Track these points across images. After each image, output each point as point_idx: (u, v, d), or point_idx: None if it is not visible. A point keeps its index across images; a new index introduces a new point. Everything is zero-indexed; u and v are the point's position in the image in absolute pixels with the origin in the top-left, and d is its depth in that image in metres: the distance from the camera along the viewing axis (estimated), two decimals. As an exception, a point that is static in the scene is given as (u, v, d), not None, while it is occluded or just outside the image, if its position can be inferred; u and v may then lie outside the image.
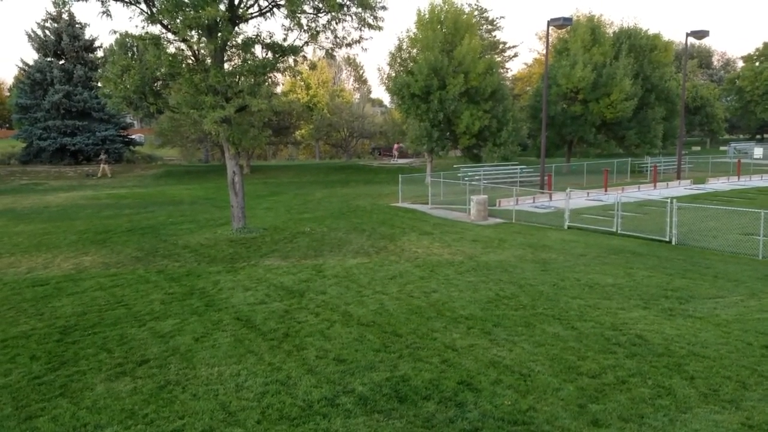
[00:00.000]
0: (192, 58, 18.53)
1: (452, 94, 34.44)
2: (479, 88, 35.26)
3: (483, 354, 8.75)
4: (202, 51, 18.14)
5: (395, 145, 56.99)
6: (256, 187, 36.11)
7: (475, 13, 45.01)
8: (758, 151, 55.27)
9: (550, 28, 32.95)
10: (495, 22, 50.71)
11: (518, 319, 10.41)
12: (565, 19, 31.03)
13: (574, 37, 42.81)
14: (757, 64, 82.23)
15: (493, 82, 35.94)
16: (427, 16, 36.10)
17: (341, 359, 8.65)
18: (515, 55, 55.03)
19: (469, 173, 32.95)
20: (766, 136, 78.71)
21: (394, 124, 52.69)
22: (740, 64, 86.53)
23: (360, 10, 18.06)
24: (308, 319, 10.61)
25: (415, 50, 36.21)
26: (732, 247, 17.57)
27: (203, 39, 17.43)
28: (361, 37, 18.83)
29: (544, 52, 38.38)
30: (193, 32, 17.32)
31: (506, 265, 14.92)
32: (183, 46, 18.27)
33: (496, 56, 48.25)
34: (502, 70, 45.41)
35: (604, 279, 13.51)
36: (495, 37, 52.22)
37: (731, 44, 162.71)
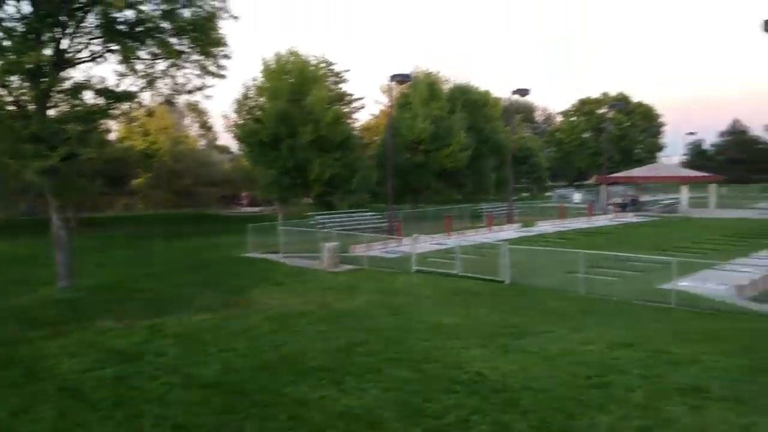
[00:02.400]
0: (13, 104, 16.99)
1: (302, 142, 34.78)
2: (329, 136, 36.00)
3: (333, 405, 8.65)
4: (24, 97, 16.72)
5: (243, 194, 55.94)
6: (88, 241, 33.40)
7: (322, 64, 46.28)
8: (577, 197, 61.69)
9: (393, 82, 34.68)
10: (341, 75, 52.47)
11: (368, 366, 10.47)
12: (404, 75, 32.89)
13: (415, 92, 45.44)
14: (573, 118, 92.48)
15: (343, 132, 36.93)
16: (273, 65, 36.41)
17: (180, 426, 8.09)
18: (362, 107, 57.09)
19: (321, 221, 33.17)
20: (584, 182, 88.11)
21: (242, 172, 51.87)
22: (559, 118, 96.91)
23: (201, 57, 17.78)
24: (144, 385, 9.84)
25: (262, 98, 36.24)
26: (558, 285, 19.21)
27: (25, 84, 16.09)
28: (203, 84, 18.49)
29: (388, 104, 40.27)
30: (14, 77, 15.94)
31: (357, 311, 15.04)
32: (2, 91, 16.72)
33: (343, 107, 49.74)
34: (350, 120, 46.88)
35: (448, 319, 14.09)
36: (341, 88, 53.96)
37: (551, 101, 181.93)
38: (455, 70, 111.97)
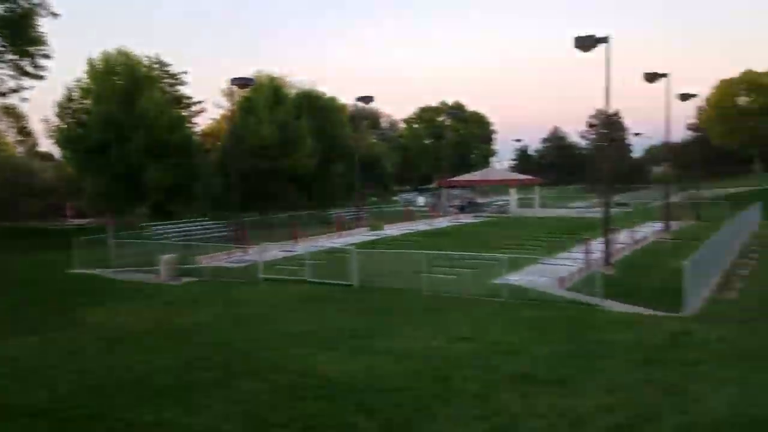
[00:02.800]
0: None
1: (134, 148, 32.71)
2: (165, 141, 34.22)
3: (175, 426, 8.25)
4: None
5: (68, 205, 51.31)
6: None
7: (156, 65, 43.89)
8: (421, 200, 64.52)
9: (234, 86, 33.82)
10: (177, 77, 50.18)
11: (214, 381, 10.11)
12: (246, 79, 32.23)
13: (259, 97, 44.70)
14: (415, 125, 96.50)
15: (182, 136, 35.29)
16: (100, 66, 33.89)
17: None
18: (202, 111, 54.88)
19: (159, 231, 31.40)
20: (427, 186, 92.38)
21: (67, 181, 47.59)
22: (402, 125, 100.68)
23: (17, 57, 16.11)
24: (-48, 422, 8.69)
25: (88, 101, 33.57)
26: (404, 285, 19.90)
27: None
28: (19, 86, 16.76)
29: (230, 108, 39.20)
30: None
31: (201, 325, 14.46)
32: None
33: (182, 110, 47.61)
34: (189, 125, 44.93)
35: (297, 327, 14.03)
36: (179, 91, 51.62)
37: (395, 108, 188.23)
38: (302, 75, 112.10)
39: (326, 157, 46.98)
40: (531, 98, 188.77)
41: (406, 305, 16.82)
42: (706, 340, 11.83)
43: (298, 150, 43.04)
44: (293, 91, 48.51)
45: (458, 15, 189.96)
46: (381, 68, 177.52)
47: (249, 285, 20.71)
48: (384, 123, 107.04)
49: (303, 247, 28.32)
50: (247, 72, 48.30)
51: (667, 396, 8.14)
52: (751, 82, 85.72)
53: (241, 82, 31.50)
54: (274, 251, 28.81)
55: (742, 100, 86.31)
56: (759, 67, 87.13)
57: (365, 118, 78.72)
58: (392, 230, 40.43)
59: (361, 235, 37.92)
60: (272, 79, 46.43)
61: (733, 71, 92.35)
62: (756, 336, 11.87)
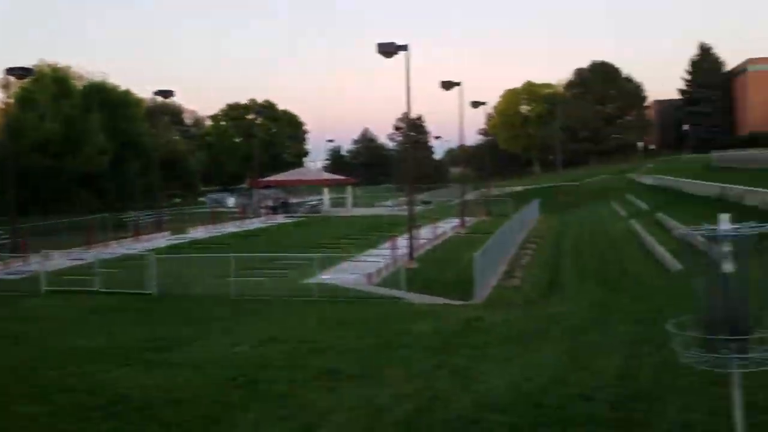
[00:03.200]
0: None
1: None
2: None
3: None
4: None
5: None
6: None
7: None
8: (231, 200, 62.66)
9: (10, 76, 29.93)
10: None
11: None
12: (25, 68, 28.72)
13: (41, 88, 40.06)
14: (222, 123, 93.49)
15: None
16: None
17: None
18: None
19: None
20: (236, 186, 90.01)
21: None
22: (209, 122, 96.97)
23: None
24: None
25: None
26: (209, 291, 19.12)
27: None
28: None
29: (5, 101, 34.61)
30: None
31: (-36, 347, 12.51)
32: None
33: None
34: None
35: (87, 342, 12.77)
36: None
37: (200, 103, 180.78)
38: (90, 66, 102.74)
39: (120, 155, 43.56)
40: (343, 100, 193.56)
41: (212, 312, 16.18)
42: (493, 324, 12.96)
43: (87, 147, 39.33)
44: (81, 84, 44.24)
45: (267, 14, 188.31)
46: (186, 63, 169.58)
47: (29, 298, 18.45)
48: (188, 119, 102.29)
49: (94, 254, 25.88)
50: (27, 62, 42.97)
51: (458, 378, 8.75)
52: (531, 92, 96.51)
53: (18, 73, 27.95)
54: (59, 260, 25.98)
55: (524, 108, 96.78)
56: (538, 79, 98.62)
57: (166, 114, 74.47)
58: (198, 233, 38.70)
59: (163, 239, 35.76)
60: (56, 70, 41.91)
61: (518, 82, 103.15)
62: (533, 318, 13.29)
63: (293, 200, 62.63)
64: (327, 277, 21.08)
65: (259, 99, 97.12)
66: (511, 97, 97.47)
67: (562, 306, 14.89)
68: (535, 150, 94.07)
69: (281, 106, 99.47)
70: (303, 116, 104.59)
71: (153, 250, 25.12)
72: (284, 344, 12.32)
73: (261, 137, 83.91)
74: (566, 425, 5.43)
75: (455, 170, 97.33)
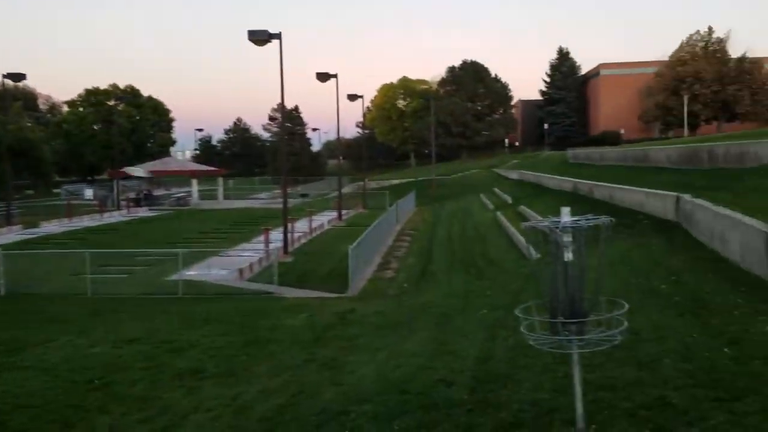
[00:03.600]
0: None
1: None
2: None
3: None
4: None
5: None
6: None
7: None
8: (89, 192, 58.31)
9: None
10: None
11: None
12: None
13: None
14: (81, 109, 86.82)
15: None
16: None
17: None
18: None
19: None
20: (96, 177, 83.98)
21: None
22: (66, 108, 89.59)
23: None
24: None
25: None
26: (64, 289, 17.73)
27: None
28: None
29: None
30: None
31: None
32: None
33: None
34: None
35: None
36: None
37: (56, 89, 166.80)
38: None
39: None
40: (214, 88, 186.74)
41: (66, 311, 15.00)
42: (365, 316, 13.10)
43: None
44: None
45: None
46: (41, 45, 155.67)
47: None
48: (43, 105, 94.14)
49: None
50: None
51: (327, 371, 8.74)
52: (406, 87, 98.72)
53: None
54: None
55: (401, 103, 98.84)
56: (413, 75, 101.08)
57: (16, 99, 68.01)
58: (51, 227, 35.74)
59: (12, 234, 32.68)
60: None
61: (394, 77, 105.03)
62: (405, 308, 13.60)
63: (158, 192, 59.59)
64: (194, 273, 20.28)
65: (121, 84, 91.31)
66: (388, 91, 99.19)
67: (432, 295, 15.37)
68: (411, 143, 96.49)
69: (145, 92, 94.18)
70: (169, 103, 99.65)
71: (2, 245, 22.81)
72: (145, 344, 11.68)
73: (123, 125, 78.94)
74: (428, 410, 5.58)
75: (333, 162, 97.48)
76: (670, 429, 4.21)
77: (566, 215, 4.59)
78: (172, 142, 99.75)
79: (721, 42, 67.90)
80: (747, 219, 10.01)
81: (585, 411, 4.43)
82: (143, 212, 47.14)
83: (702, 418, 4.32)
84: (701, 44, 68.31)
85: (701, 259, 11.22)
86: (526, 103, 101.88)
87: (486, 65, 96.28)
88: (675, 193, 15.36)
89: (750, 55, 66.39)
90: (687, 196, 14.30)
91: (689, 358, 5.85)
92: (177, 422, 7.62)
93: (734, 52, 67.43)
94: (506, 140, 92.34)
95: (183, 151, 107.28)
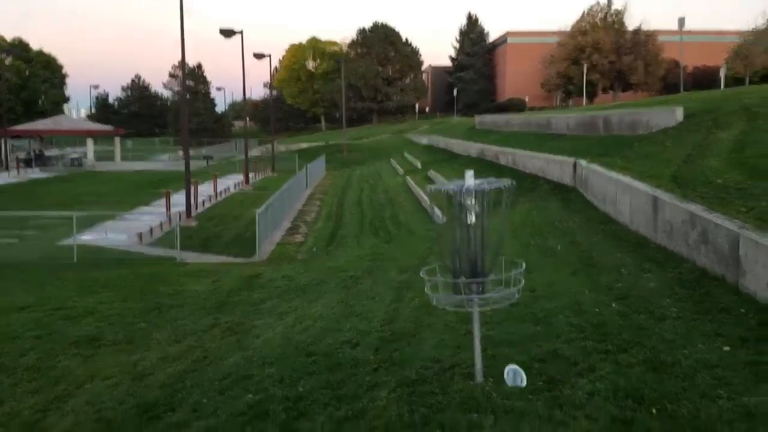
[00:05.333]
0: None
1: None
2: None
3: None
4: None
5: None
6: None
7: None
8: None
9: None
10: None
11: None
12: None
13: None
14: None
15: None
16: None
17: None
18: None
19: None
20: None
21: None
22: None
23: None
24: None
25: None
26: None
27: None
28: None
29: None
30: None
31: None
32: None
33: None
34: None
35: None
36: None
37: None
38: None
39: None
40: (110, 42, 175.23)
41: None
42: (272, 280, 12.94)
43: None
44: None
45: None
46: None
47: None
48: None
49: None
50: None
51: (232, 336, 8.59)
52: (316, 48, 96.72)
53: None
54: None
55: (310, 64, 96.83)
56: (323, 36, 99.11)
57: None
58: None
59: None
60: None
61: (303, 36, 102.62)
62: (312, 271, 13.54)
63: (51, 152, 55.75)
64: (90, 238, 19.24)
65: (8, 37, 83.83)
66: (297, 51, 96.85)
67: (341, 258, 15.39)
68: (321, 106, 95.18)
69: (35, 46, 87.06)
70: (62, 58, 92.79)
71: None
72: (37, 312, 11.02)
73: (10, 80, 72.77)
74: (334, 371, 5.60)
75: (240, 125, 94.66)
76: (561, 380, 4.44)
77: (470, 178, 4.66)
78: (66, 100, 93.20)
79: (619, 14, 70.92)
80: (636, 183, 10.65)
81: (484, 366, 4.60)
82: (35, 174, 43.99)
83: (591, 369, 4.59)
84: (600, 15, 71.07)
85: (594, 221, 11.87)
86: (437, 69, 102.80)
87: (397, 29, 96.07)
88: (572, 159, 16.09)
89: (645, 27, 69.87)
90: (583, 162, 15.01)
91: (580, 313, 6.19)
92: (71, 392, 7.27)
93: (631, 24, 70.76)
94: (417, 105, 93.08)
95: (77, 109, 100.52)
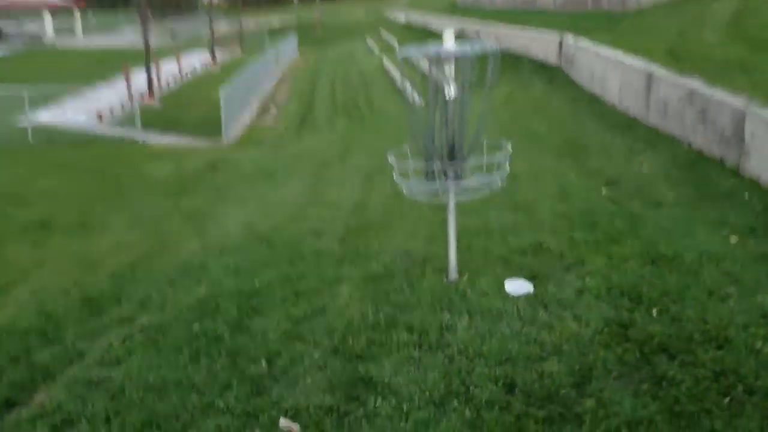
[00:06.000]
0: None
1: None
2: None
3: None
4: None
5: None
6: None
7: None
8: None
9: None
10: None
11: None
12: None
13: None
14: None
15: None
16: None
17: None
18: None
19: None
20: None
21: None
22: None
23: None
24: None
25: None
26: None
27: None
28: None
29: None
30: None
31: None
32: None
33: None
34: None
35: None
36: None
37: None
38: None
39: None
40: None
41: None
42: (238, 164, 12.25)
43: None
44: None
45: None
46: None
47: None
48: None
49: None
50: None
51: (191, 222, 8.04)
52: None
53: None
54: None
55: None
56: None
57: None
58: None
59: None
60: None
61: None
62: (281, 155, 12.84)
63: (8, 28, 51.98)
64: (47, 118, 18.05)
65: None
66: None
67: (312, 142, 14.63)
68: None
69: None
70: None
71: None
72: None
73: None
74: (294, 263, 5.09)
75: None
76: (545, 275, 3.94)
77: (449, 40, 3.90)
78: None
79: None
80: (627, 59, 9.85)
81: (458, 260, 4.08)
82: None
83: (580, 262, 4.09)
84: None
85: (580, 101, 11.17)
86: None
87: None
88: (558, 36, 15.07)
89: None
90: (569, 38, 14.02)
91: (567, 200, 5.66)
92: (16, 280, 6.77)
93: None
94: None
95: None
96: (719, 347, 2.87)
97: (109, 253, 7.12)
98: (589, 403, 2.58)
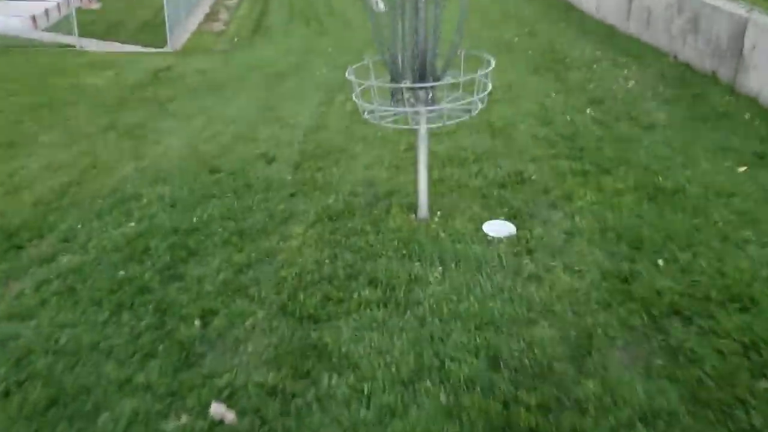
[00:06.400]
0: None
1: None
2: None
3: None
4: None
5: None
6: None
7: None
8: None
9: None
10: None
11: None
12: None
13: None
14: None
15: None
16: None
17: None
18: None
19: None
20: None
21: None
22: None
23: None
24: None
25: None
26: None
27: None
28: None
29: None
30: None
31: None
32: None
33: None
34: None
35: None
36: None
37: None
38: None
39: None
40: None
41: None
42: (184, 75, 11.21)
43: None
44: None
45: None
46: None
47: None
48: None
49: None
50: None
51: (128, 141, 7.20)
52: None
53: None
54: None
55: None
56: None
57: None
58: None
59: None
60: None
61: None
62: (231, 66, 11.84)
63: None
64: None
65: None
66: None
67: (266, 51, 13.54)
68: None
69: None
70: None
71: None
72: None
73: None
74: (240, 196, 4.45)
75: None
76: (529, 213, 3.41)
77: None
78: None
79: None
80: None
81: (429, 195, 3.50)
82: None
83: (567, 197, 3.55)
84: None
85: (555, 7, 10.36)
86: None
87: None
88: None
89: None
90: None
91: (548, 122, 5.06)
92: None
93: None
94: None
95: None
96: (744, 309, 2.41)
97: (37, 176, 6.32)
98: (592, 385, 2.11)
